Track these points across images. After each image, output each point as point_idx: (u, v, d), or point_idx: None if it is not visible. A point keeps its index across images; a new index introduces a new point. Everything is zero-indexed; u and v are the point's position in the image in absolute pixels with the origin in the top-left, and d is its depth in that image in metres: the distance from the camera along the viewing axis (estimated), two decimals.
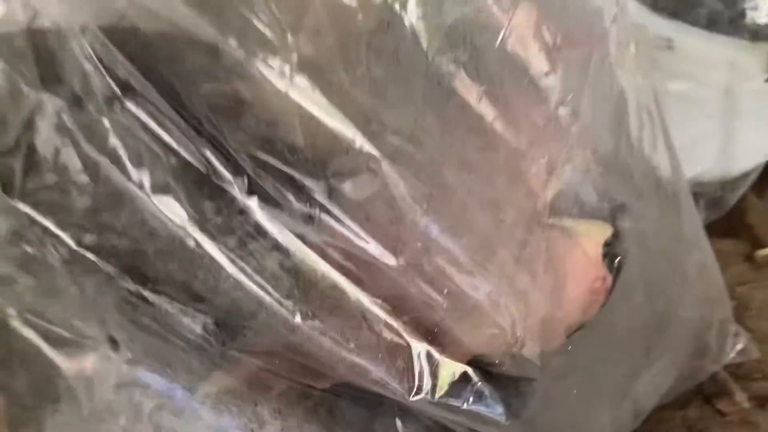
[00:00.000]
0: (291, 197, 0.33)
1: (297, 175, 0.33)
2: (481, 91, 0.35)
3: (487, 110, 0.36)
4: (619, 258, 0.45)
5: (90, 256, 0.33)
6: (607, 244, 0.44)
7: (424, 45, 0.34)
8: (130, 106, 0.31)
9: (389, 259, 0.35)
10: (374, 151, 0.33)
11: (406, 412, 0.42)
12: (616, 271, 0.45)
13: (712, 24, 0.65)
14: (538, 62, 0.37)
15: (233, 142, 0.32)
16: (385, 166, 0.33)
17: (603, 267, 0.44)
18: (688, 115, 0.65)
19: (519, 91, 0.36)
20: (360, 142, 0.33)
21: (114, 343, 0.35)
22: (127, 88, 0.31)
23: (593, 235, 0.44)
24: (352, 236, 0.34)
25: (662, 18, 0.65)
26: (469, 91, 0.35)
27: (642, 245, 0.47)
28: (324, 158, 0.33)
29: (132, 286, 0.34)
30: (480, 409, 0.40)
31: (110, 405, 0.35)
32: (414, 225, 0.35)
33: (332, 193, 0.33)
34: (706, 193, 0.70)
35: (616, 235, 0.45)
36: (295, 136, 0.32)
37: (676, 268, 0.53)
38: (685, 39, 0.65)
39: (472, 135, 0.36)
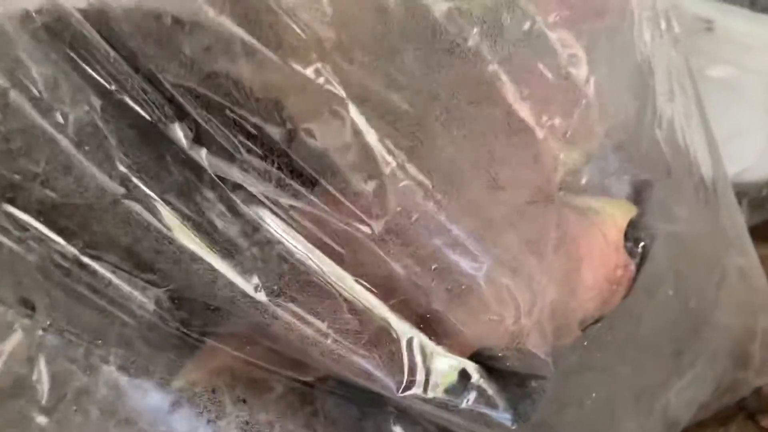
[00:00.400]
0: (242, 146, 0.28)
1: (247, 117, 0.28)
2: (476, 33, 0.31)
3: (482, 55, 0.31)
4: (644, 243, 0.40)
5: (9, 208, 0.29)
6: (631, 227, 0.39)
7: None
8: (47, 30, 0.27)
9: (364, 226, 0.30)
10: (338, 90, 0.28)
11: (402, 414, 0.38)
12: (640, 258, 0.40)
13: (756, 3, 0.60)
14: (544, 5, 0.32)
15: (171, 76, 0.27)
16: (353, 110, 0.28)
17: (625, 253, 0.39)
18: (728, 104, 0.61)
19: (521, 37, 0.32)
20: (319, 77, 0.28)
21: (27, 306, 0.30)
22: (42, 11, 0.27)
23: (614, 216, 0.39)
24: (318, 196, 0.30)
25: None
26: (460, 30, 0.30)
27: (671, 231, 0.42)
28: (277, 97, 0.28)
29: (66, 249, 0.29)
30: (482, 409, 0.36)
31: (22, 380, 0.31)
32: (392, 184, 0.30)
33: (291, 143, 0.29)
34: (748, 193, 0.66)
35: (640, 217, 0.40)
36: (238, 67, 0.27)
37: (713, 265, 0.48)
38: (726, 20, 0.61)
39: (463, 83, 0.31)
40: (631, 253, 0.40)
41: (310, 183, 0.30)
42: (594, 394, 0.41)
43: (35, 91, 0.28)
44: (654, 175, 0.40)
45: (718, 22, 0.60)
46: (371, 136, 0.29)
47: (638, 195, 0.40)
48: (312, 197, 0.30)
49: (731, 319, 0.51)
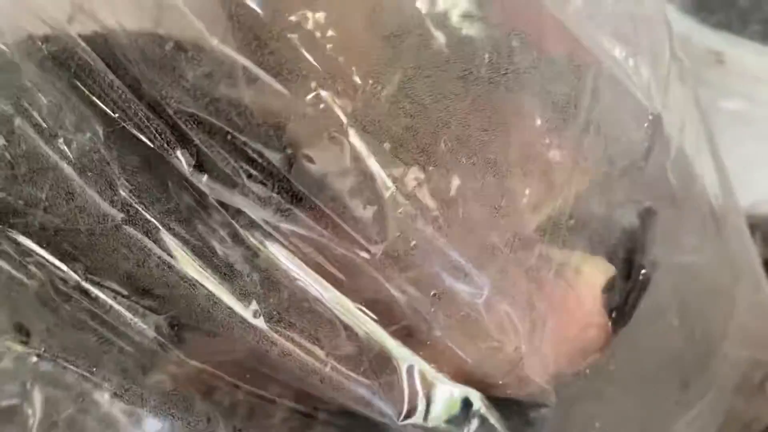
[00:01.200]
0: (243, 172, 0.29)
1: (249, 142, 0.28)
2: (487, 60, 0.31)
3: (495, 82, 0.31)
4: (645, 272, 0.39)
5: (12, 233, 0.29)
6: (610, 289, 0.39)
7: None
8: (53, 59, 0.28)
9: (362, 251, 0.31)
10: (338, 116, 0.29)
11: None
12: (641, 288, 0.40)
13: (767, 36, 0.60)
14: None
15: (173, 101, 0.28)
16: (353, 136, 0.29)
17: (602, 313, 0.38)
18: (739, 137, 0.60)
19: (530, 65, 0.32)
20: (319, 103, 0.28)
21: (22, 332, 0.31)
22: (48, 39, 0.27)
23: (590, 275, 0.38)
24: (318, 222, 0.30)
25: (710, 29, 0.60)
26: (472, 57, 0.31)
27: (678, 261, 0.42)
28: (277, 122, 0.29)
29: (68, 274, 0.30)
30: None
31: (13, 407, 0.31)
32: (392, 209, 0.30)
33: (290, 167, 0.29)
34: (761, 226, 0.65)
35: (629, 267, 0.39)
36: (240, 93, 0.28)
37: (722, 296, 0.48)
38: (737, 53, 0.60)
39: (476, 111, 0.31)
40: (610, 313, 0.39)
41: (310, 208, 0.30)
42: (598, 424, 0.41)
43: (40, 119, 0.28)
44: (657, 203, 0.40)
45: (728, 55, 0.60)
46: (371, 162, 0.29)
47: (642, 223, 0.40)
48: (312, 223, 0.30)
49: (741, 352, 0.50)
